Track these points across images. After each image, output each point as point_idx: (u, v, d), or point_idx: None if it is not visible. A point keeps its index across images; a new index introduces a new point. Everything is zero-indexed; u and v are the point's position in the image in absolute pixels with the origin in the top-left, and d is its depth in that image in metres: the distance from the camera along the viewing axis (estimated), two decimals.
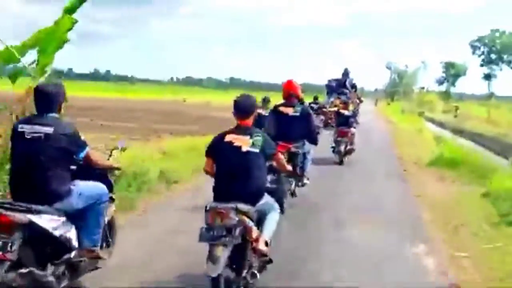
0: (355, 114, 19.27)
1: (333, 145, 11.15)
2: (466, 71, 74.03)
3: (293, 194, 6.64)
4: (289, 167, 4.65)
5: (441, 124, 31.92)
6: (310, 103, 16.72)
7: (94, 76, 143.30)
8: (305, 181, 6.84)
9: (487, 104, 46.37)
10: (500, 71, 74.86)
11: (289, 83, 6.66)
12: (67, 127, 3.22)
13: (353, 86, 24.34)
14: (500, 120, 29.35)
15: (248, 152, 3.56)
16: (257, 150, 3.59)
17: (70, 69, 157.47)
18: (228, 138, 3.64)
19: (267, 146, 3.70)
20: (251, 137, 3.61)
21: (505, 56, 73.09)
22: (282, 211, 4.23)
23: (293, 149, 6.20)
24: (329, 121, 17.77)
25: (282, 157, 4.25)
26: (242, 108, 3.78)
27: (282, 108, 6.47)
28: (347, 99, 14.73)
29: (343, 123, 11.43)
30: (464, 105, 48.59)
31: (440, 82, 76.00)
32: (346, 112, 11.73)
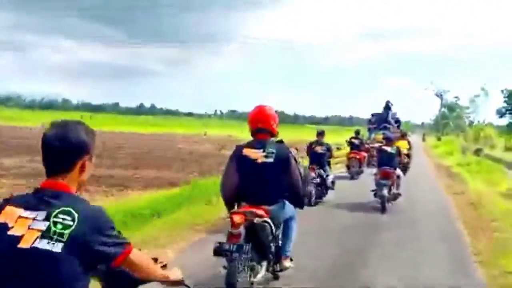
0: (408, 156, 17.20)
1: (375, 188, 9.80)
2: None
3: None
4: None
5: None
6: (351, 138, 16.05)
7: (139, 111, 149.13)
8: (287, 264, 4.44)
9: None
10: None
11: (260, 110, 4.30)
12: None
13: (397, 121, 22.96)
14: None
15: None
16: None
17: (117, 103, 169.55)
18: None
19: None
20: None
21: None
22: None
23: (257, 220, 3.98)
24: (371, 158, 16.33)
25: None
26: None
27: (247, 151, 4.20)
28: (390, 134, 12.85)
29: (386, 162, 9.79)
30: None
31: (502, 114, 63.99)
32: (389, 149, 10.01)
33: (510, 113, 63.25)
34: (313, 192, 9.37)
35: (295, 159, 4.28)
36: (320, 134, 10.41)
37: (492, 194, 12.04)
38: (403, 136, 17.41)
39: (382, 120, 22.18)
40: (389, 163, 9.71)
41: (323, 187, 9.92)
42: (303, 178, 4.42)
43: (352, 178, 14.58)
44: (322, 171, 9.88)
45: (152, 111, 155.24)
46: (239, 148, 4.28)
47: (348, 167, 15.05)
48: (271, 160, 4.08)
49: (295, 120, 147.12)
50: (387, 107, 22.94)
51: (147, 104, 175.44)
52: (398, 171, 9.99)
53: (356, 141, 15.88)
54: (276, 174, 4.11)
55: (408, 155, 15.94)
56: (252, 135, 4.32)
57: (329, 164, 10.44)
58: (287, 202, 4.29)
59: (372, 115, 23.48)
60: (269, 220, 4.02)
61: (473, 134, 53.76)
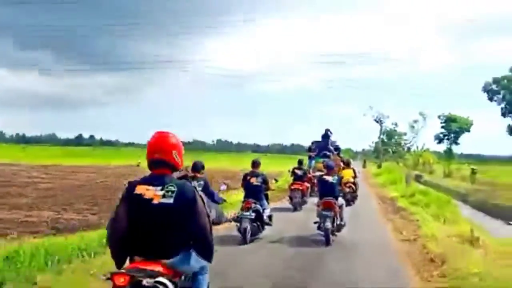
0: (355, 184, 17.22)
1: (317, 220, 9.41)
2: (471, 126, 61.43)
3: None
4: None
5: (459, 196, 23.36)
6: (294, 168, 15.63)
7: (78, 142, 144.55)
8: None
9: None
10: None
11: (159, 138, 3.45)
12: None
13: (337, 148, 23.07)
14: None
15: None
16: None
17: (53, 134, 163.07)
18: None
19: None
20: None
21: None
22: None
23: (147, 282, 3.03)
24: (314, 186, 15.87)
25: None
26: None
27: (140, 189, 3.28)
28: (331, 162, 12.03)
29: (328, 191, 9.47)
30: (482, 168, 39.34)
31: (440, 140, 63.66)
32: (330, 179, 9.70)
33: (447, 139, 62.46)
34: (248, 228, 8.81)
35: (202, 199, 3.35)
36: (255, 164, 9.69)
37: (453, 240, 9.34)
38: (348, 164, 17.49)
39: (322, 147, 22.19)
40: (331, 193, 9.43)
41: (259, 222, 9.23)
42: (216, 220, 3.96)
43: (295, 209, 14.21)
44: (258, 205, 9.15)
45: (91, 141, 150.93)
46: (132, 185, 3.33)
47: (291, 198, 14.73)
48: (170, 200, 3.21)
49: (239, 148, 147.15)
50: (326, 135, 22.98)
51: (86, 135, 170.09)
52: (341, 201, 9.75)
53: (299, 172, 15.48)
54: (178, 218, 3.23)
55: (355, 184, 16.22)
56: (149, 168, 3.42)
57: (266, 197, 9.70)
58: (193, 253, 3.36)
59: (312, 143, 23.42)
60: (165, 280, 3.06)
61: (413, 160, 54.80)
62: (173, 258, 3.22)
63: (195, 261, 3.39)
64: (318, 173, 16.46)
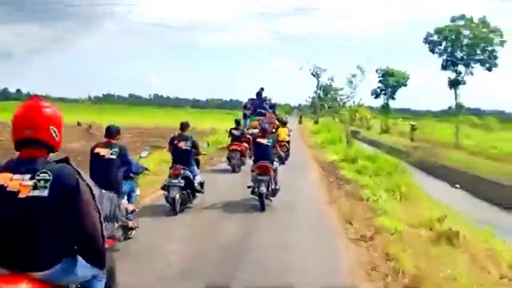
0: (288, 143, 17.70)
1: (251, 184, 9.05)
2: (407, 80, 59.06)
3: None
4: None
5: (393, 150, 22.68)
6: (231, 129, 15.33)
7: (3, 96, 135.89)
8: None
9: (453, 120, 34.57)
10: (470, 76, 49.50)
11: (28, 109, 2.57)
12: None
13: (272, 106, 22.87)
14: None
15: None
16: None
17: None
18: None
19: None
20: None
21: (477, 52, 47.63)
22: None
23: None
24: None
25: None
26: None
27: (3, 179, 2.44)
28: (265, 124, 10.80)
29: (263, 155, 9.24)
30: (418, 124, 38.19)
31: (377, 94, 60.09)
32: (264, 141, 9.45)
33: (384, 93, 59.43)
34: (177, 197, 8.15)
35: (90, 189, 2.55)
36: (184, 126, 8.96)
37: (423, 237, 7.14)
38: (284, 123, 17.65)
39: (257, 105, 21.95)
40: (266, 156, 9.19)
41: (190, 190, 8.62)
42: (111, 215, 3.33)
43: (233, 171, 14.00)
44: (188, 171, 8.49)
45: (19, 96, 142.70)
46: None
47: (229, 159, 14.41)
48: (44, 193, 2.40)
49: (178, 103, 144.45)
50: (259, 94, 22.74)
51: (12, 89, 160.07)
52: (276, 164, 9.49)
53: (236, 132, 15.03)
54: (55, 216, 2.42)
55: (288, 142, 16.60)
56: (16, 149, 2.60)
57: (197, 162, 9.10)
58: (80, 260, 2.55)
59: (248, 100, 23.08)
60: None
61: (349, 115, 50.43)
62: (50, 269, 2.42)
63: (83, 269, 2.58)
64: (252, 131, 16.55)
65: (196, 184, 8.66)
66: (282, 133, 16.46)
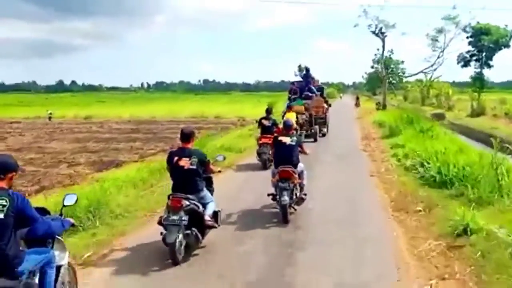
0: (312, 133, 17.50)
1: (274, 191, 7.65)
2: (511, 39, 40.16)
3: None
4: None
5: None
6: (261, 119, 12.93)
7: (58, 88, 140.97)
8: None
9: None
10: None
11: None
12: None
13: (319, 89, 20.61)
14: None
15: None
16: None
17: (34, 82, 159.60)
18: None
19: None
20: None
21: None
22: None
23: None
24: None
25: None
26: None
27: None
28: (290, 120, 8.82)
29: (285, 157, 7.65)
30: None
31: (465, 62, 41.35)
32: (287, 140, 7.78)
33: (477, 60, 40.87)
34: (178, 240, 5.51)
35: None
36: (187, 136, 6.07)
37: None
38: (327, 104, 19.57)
39: (303, 88, 19.81)
40: (289, 159, 7.62)
41: (198, 228, 5.84)
42: None
43: (264, 167, 11.72)
44: (194, 201, 5.85)
45: (73, 87, 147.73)
46: None
47: (259, 154, 12.16)
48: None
49: (228, 87, 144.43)
50: (306, 73, 20.56)
51: (67, 81, 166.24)
52: (301, 167, 7.84)
53: (266, 122, 12.56)
54: None
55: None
56: None
57: (209, 182, 6.36)
58: None
59: (292, 83, 21.02)
60: None
61: (420, 92, 43.90)
62: None
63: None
64: (300, 117, 15.71)
65: (207, 218, 5.95)
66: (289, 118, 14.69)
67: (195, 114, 35.40)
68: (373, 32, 37.36)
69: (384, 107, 34.93)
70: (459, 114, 31.04)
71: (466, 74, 45.33)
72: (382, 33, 37.14)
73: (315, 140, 17.40)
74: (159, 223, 5.66)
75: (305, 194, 7.93)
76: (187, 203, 5.62)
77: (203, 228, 5.87)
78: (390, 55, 47.99)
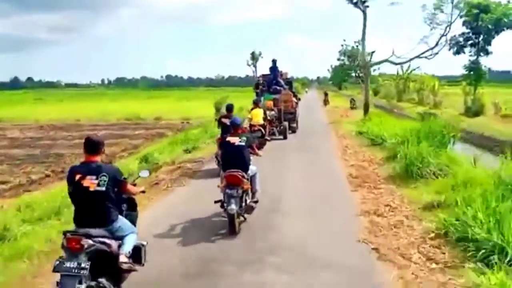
0: (281, 129, 16.86)
1: (221, 198, 6.88)
2: None
3: None
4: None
5: None
6: (221, 118, 11.00)
7: (13, 85, 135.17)
8: None
9: None
10: None
11: None
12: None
13: (288, 82, 19.86)
14: None
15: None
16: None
17: None
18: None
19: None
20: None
21: None
22: None
23: None
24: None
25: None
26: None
27: None
28: (237, 118, 7.93)
29: (234, 160, 6.96)
30: None
31: (459, 47, 33.61)
32: (236, 141, 7.14)
33: (472, 45, 33.29)
34: None
35: None
36: (94, 147, 4.45)
37: None
38: (296, 98, 19.21)
39: (270, 82, 18.83)
40: (238, 161, 6.94)
41: (109, 274, 4.28)
42: None
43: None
44: (103, 238, 4.31)
45: (28, 84, 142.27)
46: None
47: (217, 158, 10.20)
48: None
49: (191, 83, 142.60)
50: (275, 67, 19.35)
51: (23, 78, 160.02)
52: (252, 170, 7.20)
53: (227, 121, 9.52)
54: None
55: (263, 126, 14.21)
56: None
57: (132, 204, 4.87)
58: None
59: (260, 76, 20.60)
60: None
61: (395, 86, 39.32)
62: None
63: None
64: (268, 113, 15.34)
65: (122, 259, 4.29)
66: (256, 115, 14.31)
67: (131, 115, 31.34)
68: (352, 2, 25.28)
69: (367, 109, 23.40)
70: (449, 113, 24.62)
71: (452, 66, 36.15)
72: (363, 2, 24.49)
73: (285, 138, 16.45)
74: (54, 270, 3.92)
75: (256, 202, 7.22)
76: (91, 242, 4.02)
77: (119, 273, 4.31)
78: (357, 45, 43.12)
